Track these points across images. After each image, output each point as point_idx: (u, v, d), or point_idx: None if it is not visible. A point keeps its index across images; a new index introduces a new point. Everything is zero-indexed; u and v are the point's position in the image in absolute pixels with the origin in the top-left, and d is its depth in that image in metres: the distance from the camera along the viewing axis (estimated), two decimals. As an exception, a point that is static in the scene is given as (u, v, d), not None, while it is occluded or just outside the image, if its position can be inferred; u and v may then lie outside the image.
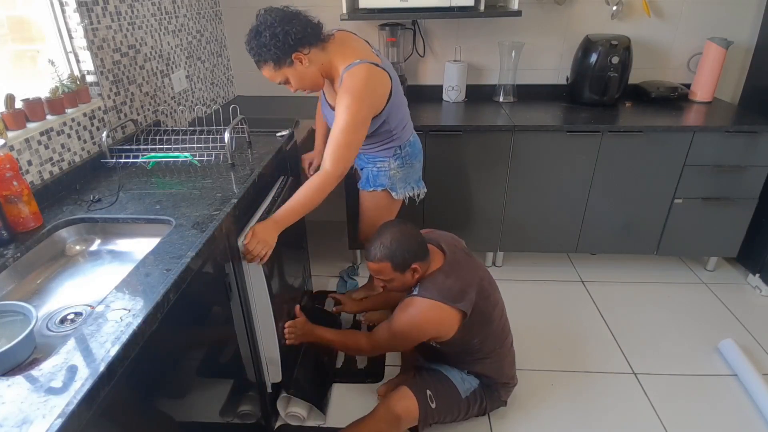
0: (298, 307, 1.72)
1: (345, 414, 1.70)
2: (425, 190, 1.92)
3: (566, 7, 2.46)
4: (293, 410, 1.67)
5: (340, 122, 1.48)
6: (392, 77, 1.60)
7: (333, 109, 1.65)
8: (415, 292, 1.49)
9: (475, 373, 1.62)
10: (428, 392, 1.55)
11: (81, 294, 1.13)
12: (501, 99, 2.56)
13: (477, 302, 1.47)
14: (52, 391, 0.71)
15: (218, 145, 1.64)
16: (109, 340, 0.80)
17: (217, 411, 1.25)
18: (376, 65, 1.53)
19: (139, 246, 1.24)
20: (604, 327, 2.15)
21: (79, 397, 0.70)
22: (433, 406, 1.53)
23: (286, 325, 1.65)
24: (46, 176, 1.37)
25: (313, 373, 1.81)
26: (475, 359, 1.57)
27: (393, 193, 1.82)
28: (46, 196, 1.32)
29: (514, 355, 1.67)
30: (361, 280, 2.44)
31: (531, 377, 1.86)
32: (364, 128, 1.53)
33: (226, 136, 1.55)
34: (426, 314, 1.45)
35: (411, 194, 1.88)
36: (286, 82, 1.54)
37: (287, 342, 1.63)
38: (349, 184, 2.29)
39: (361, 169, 1.88)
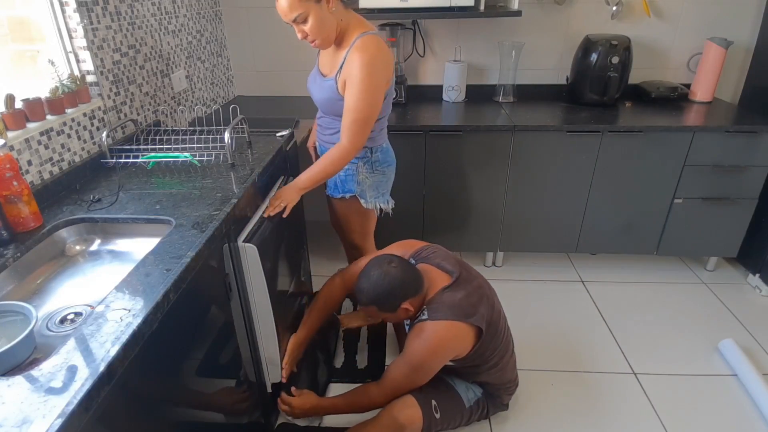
0: (292, 390, 1.63)
1: (344, 414, 1.70)
2: (393, 204, 1.84)
3: (566, 7, 2.46)
4: None
5: (354, 95, 1.46)
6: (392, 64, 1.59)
7: (324, 76, 1.61)
8: (424, 317, 1.42)
9: (480, 382, 1.61)
10: (433, 402, 1.53)
11: (81, 294, 1.13)
12: (501, 99, 2.56)
13: (486, 315, 1.44)
14: (52, 391, 0.71)
15: (218, 145, 1.64)
16: (109, 340, 0.80)
17: (217, 410, 1.25)
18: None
19: (139, 246, 1.24)
20: (604, 327, 2.15)
21: (79, 397, 0.70)
22: (438, 416, 1.52)
23: (281, 401, 1.61)
24: (46, 176, 1.37)
25: (310, 373, 1.81)
26: (483, 371, 1.55)
27: (362, 201, 1.74)
28: (46, 196, 1.32)
29: (516, 359, 1.67)
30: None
31: (531, 377, 1.86)
32: (379, 101, 1.51)
33: (226, 136, 1.55)
34: (442, 336, 1.39)
35: (384, 207, 1.80)
36: (304, 20, 1.42)
37: (287, 414, 1.61)
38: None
39: None
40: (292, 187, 1.56)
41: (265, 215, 1.47)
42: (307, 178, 1.56)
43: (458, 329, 1.40)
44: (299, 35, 1.47)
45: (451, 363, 1.51)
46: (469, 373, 1.58)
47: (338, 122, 1.58)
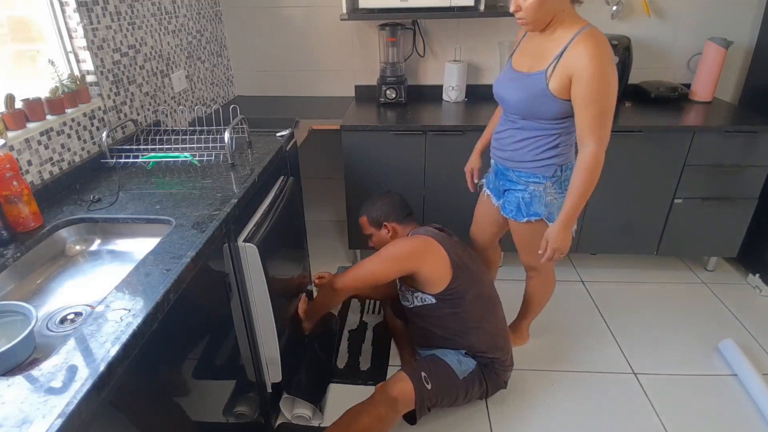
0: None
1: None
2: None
3: (566, 7, 2.46)
4: (299, 411, 1.68)
5: (593, 86, 1.31)
6: None
7: (521, 72, 1.47)
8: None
9: (469, 347, 1.63)
10: (423, 374, 1.56)
11: (81, 294, 1.13)
12: (501, 99, 2.56)
13: (464, 259, 1.59)
14: (52, 391, 0.71)
15: (218, 145, 1.64)
16: (109, 340, 0.80)
17: (217, 410, 1.25)
18: None
19: (139, 246, 1.24)
20: (604, 327, 2.15)
21: (79, 397, 0.70)
22: (429, 387, 1.54)
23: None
24: (46, 176, 1.37)
25: (311, 374, 1.81)
26: (468, 327, 1.60)
27: (549, 224, 1.54)
28: (46, 196, 1.32)
29: (508, 331, 1.73)
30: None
31: (531, 377, 1.86)
32: (614, 95, 1.36)
33: (226, 136, 1.55)
34: (412, 240, 1.61)
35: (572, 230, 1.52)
36: (541, 4, 1.33)
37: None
38: (349, 184, 2.29)
39: (505, 191, 1.65)
40: (560, 229, 1.45)
41: (542, 261, 1.52)
42: (570, 212, 1.43)
43: (427, 243, 1.58)
44: (512, 7, 1.38)
45: (430, 295, 1.60)
46: (458, 331, 1.63)
47: (532, 126, 1.48)
